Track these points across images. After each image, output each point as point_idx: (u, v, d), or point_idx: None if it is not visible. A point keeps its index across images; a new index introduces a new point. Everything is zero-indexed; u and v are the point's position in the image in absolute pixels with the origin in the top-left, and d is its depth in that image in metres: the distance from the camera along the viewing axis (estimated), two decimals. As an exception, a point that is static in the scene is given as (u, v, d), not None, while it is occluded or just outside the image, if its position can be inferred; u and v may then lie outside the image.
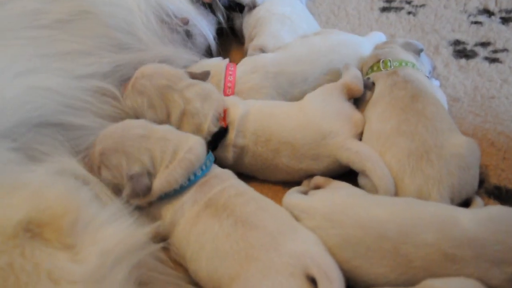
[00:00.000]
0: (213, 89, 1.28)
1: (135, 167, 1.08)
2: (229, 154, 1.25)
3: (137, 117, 1.26)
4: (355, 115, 1.25)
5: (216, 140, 1.23)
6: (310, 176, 1.24)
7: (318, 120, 1.22)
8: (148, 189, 1.07)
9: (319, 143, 1.20)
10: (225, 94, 1.38)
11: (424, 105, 1.18)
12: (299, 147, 1.21)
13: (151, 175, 1.08)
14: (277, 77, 1.39)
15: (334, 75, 1.38)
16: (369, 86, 1.31)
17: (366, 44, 1.49)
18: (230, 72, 1.40)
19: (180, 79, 1.26)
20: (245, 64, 1.44)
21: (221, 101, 1.26)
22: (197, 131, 1.22)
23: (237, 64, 1.46)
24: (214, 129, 1.23)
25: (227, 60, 1.46)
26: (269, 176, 1.29)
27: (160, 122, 1.21)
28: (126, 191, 1.07)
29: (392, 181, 1.10)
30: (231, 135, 1.24)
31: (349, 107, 1.27)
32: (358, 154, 1.15)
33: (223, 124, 1.24)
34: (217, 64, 1.44)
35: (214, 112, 1.23)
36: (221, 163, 1.23)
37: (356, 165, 1.16)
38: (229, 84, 1.39)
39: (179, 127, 1.23)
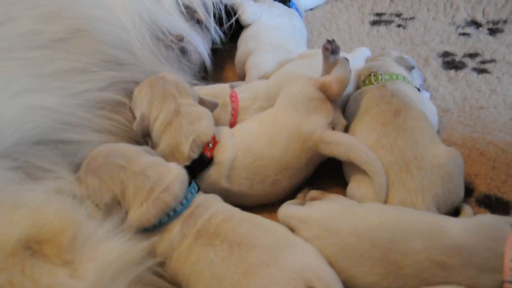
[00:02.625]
0: (206, 118, 1.27)
1: (107, 196, 1.06)
2: (217, 191, 1.22)
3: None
4: (324, 105, 1.24)
5: (196, 169, 1.22)
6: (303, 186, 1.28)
7: (293, 127, 1.23)
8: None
9: (304, 147, 1.22)
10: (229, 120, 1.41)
11: (405, 119, 1.20)
12: (293, 164, 1.23)
13: (121, 206, 1.07)
14: None
15: None
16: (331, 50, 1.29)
17: (355, 62, 1.46)
18: (233, 99, 1.42)
19: (186, 101, 1.28)
20: (245, 92, 1.45)
21: (209, 132, 1.25)
22: (176, 150, 1.22)
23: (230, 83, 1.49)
24: (193, 155, 1.22)
25: (228, 85, 1.46)
26: (267, 201, 1.29)
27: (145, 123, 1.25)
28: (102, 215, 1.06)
29: (379, 162, 1.14)
30: (220, 178, 1.23)
31: (316, 99, 1.24)
32: (340, 146, 1.18)
33: (207, 154, 1.23)
34: (223, 89, 1.45)
35: (196, 138, 1.22)
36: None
37: (341, 157, 1.20)
38: (232, 112, 1.41)
39: (160, 136, 1.24)
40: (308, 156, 1.23)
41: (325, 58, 1.30)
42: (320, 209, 1.09)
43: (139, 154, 1.13)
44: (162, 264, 1.06)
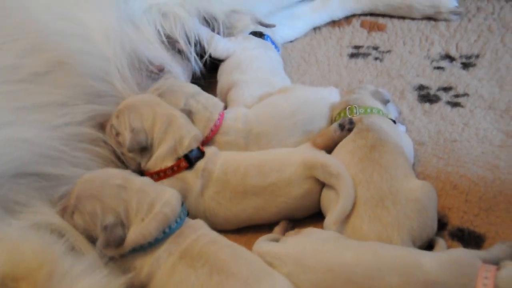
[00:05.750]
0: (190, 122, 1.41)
1: (110, 217, 1.08)
2: (198, 179, 1.30)
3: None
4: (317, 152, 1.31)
5: (193, 158, 1.32)
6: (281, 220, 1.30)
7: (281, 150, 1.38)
8: (122, 240, 1.08)
9: (284, 159, 1.30)
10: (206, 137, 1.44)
11: (381, 154, 1.23)
12: (264, 164, 1.29)
13: (124, 226, 1.09)
14: (247, 136, 1.44)
15: (299, 138, 1.42)
16: (344, 126, 1.33)
17: (330, 97, 1.52)
18: (219, 116, 1.46)
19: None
20: (230, 112, 1.51)
21: (200, 134, 1.39)
22: (178, 144, 1.32)
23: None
24: (194, 146, 1.33)
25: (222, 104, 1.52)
26: (239, 215, 1.31)
27: (144, 134, 1.31)
28: (99, 241, 1.08)
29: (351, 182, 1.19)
30: (202, 162, 1.32)
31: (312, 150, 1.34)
32: (319, 160, 1.26)
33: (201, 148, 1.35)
34: (217, 104, 1.51)
35: (195, 135, 1.35)
36: (188, 194, 1.30)
37: (321, 173, 1.25)
38: (213, 128, 1.44)
39: (162, 136, 1.31)
40: (281, 163, 1.29)
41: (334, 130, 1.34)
42: (294, 244, 1.10)
43: (132, 175, 1.19)
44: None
